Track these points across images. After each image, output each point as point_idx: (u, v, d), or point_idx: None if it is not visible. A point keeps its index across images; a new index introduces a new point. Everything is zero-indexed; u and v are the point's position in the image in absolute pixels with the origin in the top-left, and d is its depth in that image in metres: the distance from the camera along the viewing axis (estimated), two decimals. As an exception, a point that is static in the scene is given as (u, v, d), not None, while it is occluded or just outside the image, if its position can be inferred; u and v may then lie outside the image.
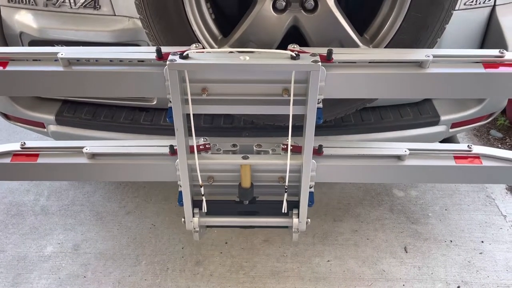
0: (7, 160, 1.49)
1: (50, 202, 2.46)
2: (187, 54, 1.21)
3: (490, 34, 1.68)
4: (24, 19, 1.60)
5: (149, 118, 1.76)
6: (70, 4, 1.56)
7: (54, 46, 1.60)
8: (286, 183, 1.46)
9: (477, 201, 2.50)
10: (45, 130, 1.84)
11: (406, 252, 2.19)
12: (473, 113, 1.81)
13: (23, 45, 1.67)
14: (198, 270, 2.09)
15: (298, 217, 1.52)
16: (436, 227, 2.33)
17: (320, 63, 1.19)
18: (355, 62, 1.29)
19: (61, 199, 2.48)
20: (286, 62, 1.20)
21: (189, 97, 1.28)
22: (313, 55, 1.22)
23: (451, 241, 2.25)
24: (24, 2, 1.58)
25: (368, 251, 2.19)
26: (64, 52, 1.27)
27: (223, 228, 2.25)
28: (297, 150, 1.44)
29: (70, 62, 1.29)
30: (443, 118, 1.77)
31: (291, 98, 1.29)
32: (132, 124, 1.74)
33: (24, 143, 1.50)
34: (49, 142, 1.53)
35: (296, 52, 1.21)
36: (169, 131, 1.70)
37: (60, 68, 1.29)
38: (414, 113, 1.79)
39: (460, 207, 2.46)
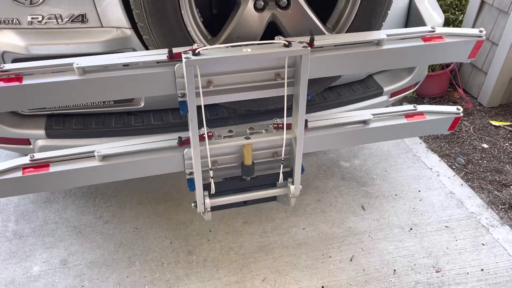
0: (19, 174, 1.54)
1: (20, 226, 2.41)
2: (199, 52, 1.40)
3: (411, 15, 2.10)
4: (8, 39, 1.63)
5: (139, 120, 1.89)
6: (57, 20, 1.63)
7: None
8: (283, 156, 1.71)
9: (407, 160, 2.97)
10: (31, 146, 1.86)
11: (364, 210, 2.56)
12: (406, 83, 2.22)
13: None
14: (192, 258, 2.24)
15: (293, 184, 1.77)
16: (381, 186, 2.74)
17: (309, 48, 1.46)
18: (321, 46, 1.57)
19: (31, 221, 2.44)
20: (282, 49, 1.45)
21: (201, 90, 1.47)
22: (300, 42, 1.49)
23: (396, 194, 2.67)
24: (7, 22, 1.62)
25: (334, 215, 2.52)
26: (80, 61, 1.39)
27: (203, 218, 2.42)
28: (287, 127, 1.69)
29: (85, 70, 1.40)
30: (385, 89, 2.16)
31: (285, 80, 1.54)
32: (125, 127, 1.85)
33: (33, 155, 1.55)
34: (56, 152, 1.59)
35: (287, 41, 1.47)
36: (161, 129, 1.88)
37: (76, 77, 1.40)
38: (363, 87, 2.15)
39: (396, 167, 2.90)
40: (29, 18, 1.62)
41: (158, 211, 2.52)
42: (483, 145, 3.15)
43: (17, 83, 1.36)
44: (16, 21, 1.62)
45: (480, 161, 2.98)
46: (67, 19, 1.64)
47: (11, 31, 1.64)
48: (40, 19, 1.63)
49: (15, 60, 1.68)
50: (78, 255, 2.25)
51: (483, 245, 2.33)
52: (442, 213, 2.54)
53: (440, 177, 2.81)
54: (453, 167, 2.93)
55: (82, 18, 1.65)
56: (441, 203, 2.61)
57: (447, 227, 2.44)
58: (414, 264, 2.22)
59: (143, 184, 2.70)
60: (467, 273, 2.17)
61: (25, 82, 1.36)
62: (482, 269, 2.19)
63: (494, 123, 3.37)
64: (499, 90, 3.48)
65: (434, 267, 2.20)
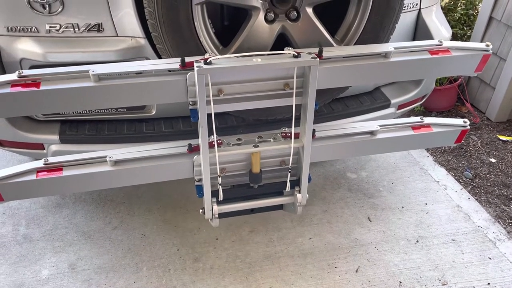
0: (33, 177, 1.58)
1: (30, 230, 2.45)
2: (210, 61, 1.44)
3: (419, 29, 2.14)
4: (26, 46, 1.69)
5: (151, 127, 1.93)
6: (74, 29, 1.69)
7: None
8: (290, 165, 1.73)
9: (414, 173, 2.98)
10: (44, 151, 1.91)
11: (370, 221, 2.56)
12: (413, 96, 2.24)
13: (22, 71, 1.75)
14: (198, 266, 2.26)
15: (300, 193, 1.80)
16: (388, 198, 2.74)
17: (318, 59, 1.49)
18: (330, 58, 1.61)
19: (41, 225, 2.48)
20: (291, 60, 1.49)
21: (211, 98, 1.51)
22: (309, 53, 1.52)
23: (402, 207, 2.68)
24: (26, 30, 1.68)
25: (340, 225, 2.53)
26: (95, 69, 1.43)
27: (210, 226, 2.44)
28: (295, 136, 1.72)
29: (100, 77, 1.45)
30: (393, 101, 2.18)
31: (294, 90, 1.58)
32: (137, 134, 1.89)
33: (47, 159, 1.60)
34: (69, 156, 1.63)
35: (296, 52, 1.51)
36: (171, 136, 1.91)
37: (92, 84, 1.44)
38: (370, 99, 2.17)
39: (403, 179, 2.91)
40: (47, 27, 1.68)
41: (166, 218, 2.55)
42: (490, 159, 3.15)
43: (34, 89, 1.41)
44: (34, 29, 1.68)
45: (487, 175, 2.98)
46: (84, 28, 1.70)
47: (29, 39, 1.70)
48: (58, 27, 1.69)
49: (32, 67, 1.73)
50: (87, 260, 2.28)
51: (490, 259, 2.32)
52: (448, 226, 2.54)
53: (447, 190, 2.82)
54: (460, 180, 2.93)
55: (98, 28, 1.70)
56: (448, 216, 2.61)
57: (453, 240, 2.44)
58: (420, 277, 2.22)
59: (152, 191, 2.74)
60: (474, 287, 2.16)
61: (42, 87, 1.41)
62: (488, 283, 2.18)
63: (502, 137, 3.38)
64: (507, 105, 3.49)
65: (440, 280, 2.20)
